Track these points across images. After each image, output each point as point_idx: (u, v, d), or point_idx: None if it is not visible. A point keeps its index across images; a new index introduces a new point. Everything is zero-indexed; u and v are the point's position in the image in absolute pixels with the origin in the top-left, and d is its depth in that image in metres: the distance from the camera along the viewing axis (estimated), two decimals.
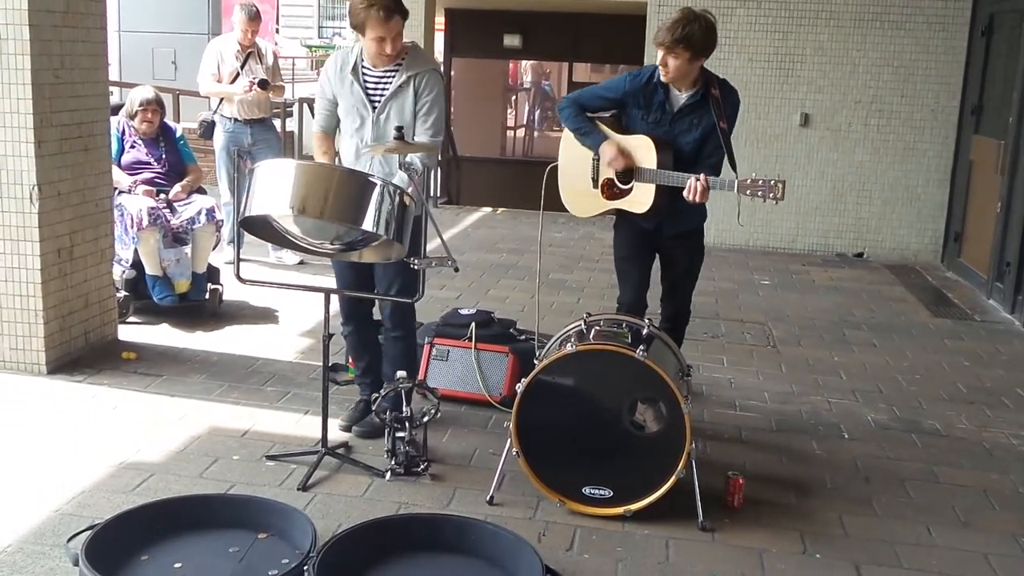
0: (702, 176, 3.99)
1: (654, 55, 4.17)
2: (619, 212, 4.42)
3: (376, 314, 4.66)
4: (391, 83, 4.19)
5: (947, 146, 9.05)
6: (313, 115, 4.61)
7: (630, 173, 4.24)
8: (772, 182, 3.96)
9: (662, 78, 4.15)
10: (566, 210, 4.59)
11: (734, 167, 4.19)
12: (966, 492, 4.20)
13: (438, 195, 12.29)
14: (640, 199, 4.23)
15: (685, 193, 4.02)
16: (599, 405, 3.77)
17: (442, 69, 15.28)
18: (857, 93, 9.13)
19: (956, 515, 3.98)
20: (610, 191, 4.34)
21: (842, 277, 8.46)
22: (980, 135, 8.56)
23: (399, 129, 3.85)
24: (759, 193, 3.98)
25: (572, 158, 4.46)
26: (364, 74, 4.23)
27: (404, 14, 4.11)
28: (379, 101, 4.20)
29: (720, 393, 5.30)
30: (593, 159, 4.37)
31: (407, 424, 4.05)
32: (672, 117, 4.20)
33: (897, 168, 9.17)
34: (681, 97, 4.20)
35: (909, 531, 3.82)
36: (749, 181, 4.00)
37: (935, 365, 6.01)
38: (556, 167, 4.52)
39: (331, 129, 4.43)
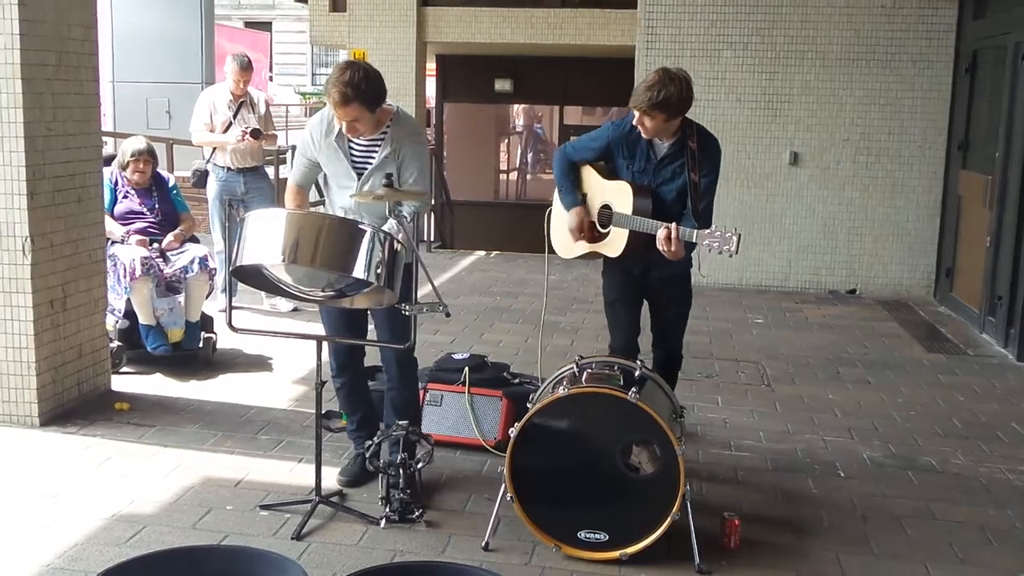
0: (672, 225, 3.99)
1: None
2: (606, 257, 4.46)
3: (367, 362, 4.66)
4: (376, 154, 4.19)
5: (935, 182, 9.11)
6: None
7: (609, 219, 4.28)
8: (728, 235, 3.90)
9: (642, 135, 4.19)
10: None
11: (702, 217, 4.17)
12: (963, 529, 4.19)
13: (432, 239, 12.33)
14: (614, 243, 4.28)
15: (657, 243, 4.02)
16: (593, 448, 3.76)
17: (433, 115, 15.43)
18: (845, 131, 9.21)
19: (954, 552, 3.96)
20: (590, 234, 4.39)
21: (835, 314, 8.48)
22: (967, 170, 8.62)
23: (388, 176, 3.88)
24: (715, 244, 3.94)
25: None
26: (350, 143, 4.22)
27: (368, 103, 4.00)
28: (364, 171, 4.20)
29: (715, 433, 5.29)
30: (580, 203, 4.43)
31: (401, 471, 4.03)
32: (656, 166, 4.24)
33: (887, 204, 9.23)
34: (663, 146, 4.24)
35: (907, 570, 3.80)
36: (707, 232, 3.98)
37: (930, 401, 6.01)
38: (551, 212, 4.58)
39: (307, 185, 4.42)
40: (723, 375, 6.44)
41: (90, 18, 5.23)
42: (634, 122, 4.16)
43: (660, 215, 4.14)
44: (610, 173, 4.37)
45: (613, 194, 4.28)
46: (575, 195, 4.40)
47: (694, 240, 3.98)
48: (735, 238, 3.89)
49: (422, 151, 4.30)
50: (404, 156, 4.19)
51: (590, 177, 4.42)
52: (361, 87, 3.96)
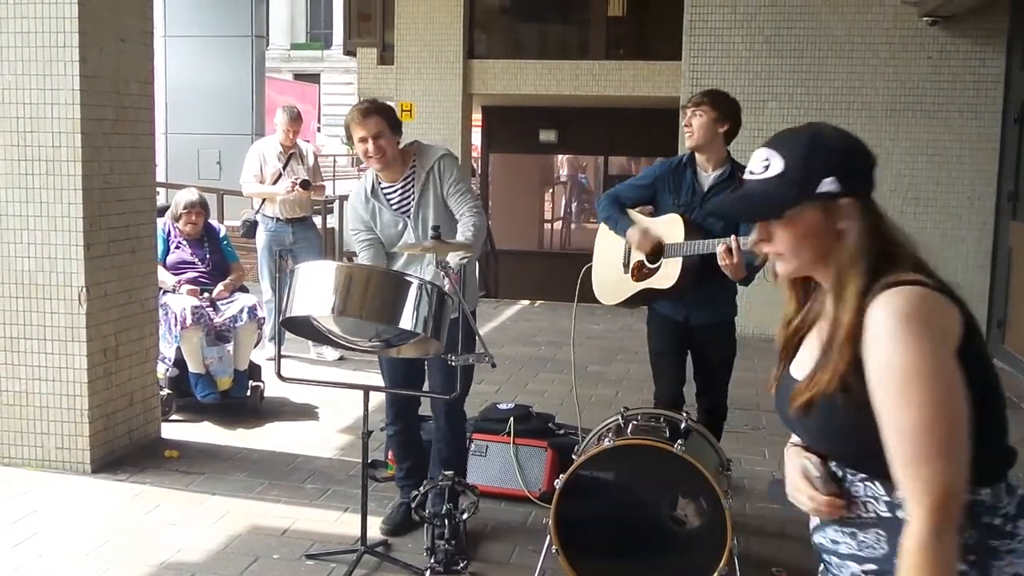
0: (732, 237, 3.98)
1: (685, 143, 4.30)
2: (650, 305, 4.45)
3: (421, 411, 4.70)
4: (413, 188, 4.29)
5: (985, 233, 9.00)
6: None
7: (659, 254, 4.28)
8: None
9: (687, 143, 4.26)
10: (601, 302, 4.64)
11: None
12: None
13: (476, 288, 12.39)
14: (667, 273, 4.25)
15: (719, 260, 4.00)
16: (638, 501, 3.74)
17: (479, 165, 15.58)
18: (892, 182, 9.14)
19: None
20: (639, 272, 4.38)
21: None
22: (1018, 221, 8.53)
23: (436, 229, 3.92)
24: None
25: (605, 249, 4.54)
26: (386, 194, 4.33)
27: (388, 120, 4.19)
28: (411, 209, 4.29)
29: (762, 487, 5.22)
30: (625, 245, 4.42)
31: (446, 521, 4.03)
32: (702, 198, 4.27)
33: (936, 256, 8.82)
34: (709, 177, 4.28)
35: None
36: None
37: None
38: (591, 267, 4.59)
39: (379, 261, 4.37)
40: (770, 428, 6.36)
41: (147, 73, 5.39)
42: (683, 124, 4.25)
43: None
44: (654, 215, 4.41)
45: (661, 228, 4.28)
46: (627, 220, 4.39)
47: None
48: None
49: (452, 161, 4.37)
50: (440, 173, 4.28)
51: (635, 218, 4.44)
52: (378, 105, 4.23)
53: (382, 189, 4.32)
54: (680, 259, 4.18)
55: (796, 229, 1.70)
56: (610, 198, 4.49)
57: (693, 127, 4.21)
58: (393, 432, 4.55)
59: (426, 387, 4.55)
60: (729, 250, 3.95)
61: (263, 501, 4.78)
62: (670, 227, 4.25)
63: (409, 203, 4.30)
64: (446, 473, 4.14)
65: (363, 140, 4.18)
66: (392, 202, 4.31)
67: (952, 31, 8.92)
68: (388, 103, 4.30)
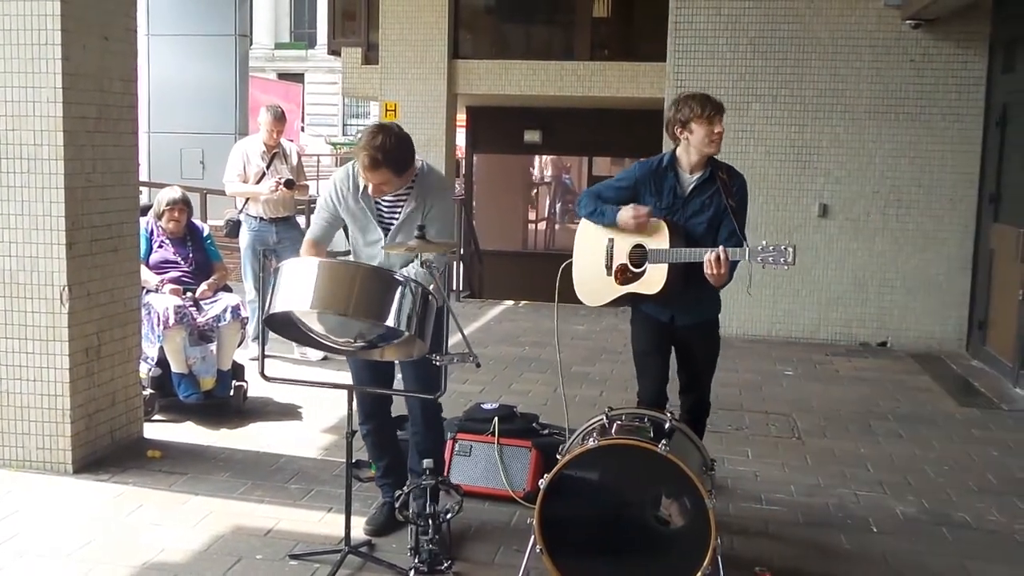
0: (719, 248, 4.01)
1: (671, 146, 4.30)
2: (634, 305, 4.45)
3: (395, 411, 4.68)
4: (402, 209, 4.24)
5: (967, 234, 9.07)
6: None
7: (643, 257, 4.27)
8: (783, 247, 3.98)
9: (710, 150, 4.22)
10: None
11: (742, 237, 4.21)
12: None
13: (461, 289, 12.39)
14: (653, 279, 4.24)
15: (705, 269, 4.02)
16: (622, 500, 3.75)
17: (463, 165, 15.56)
18: (874, 183, 9.21)
19: None
20: (623, 276, 4.37)
21: (866, 367, 8.41)
22: (999, 223, 8.59)
23: (421, 228, 3.91)
24: (770, 259, 4.00)
25: (586, 249, 4.50)
26: (376, 200, 4.25)
27: (396, 168, 4.06)
28: (391, 225, 4.25)
29: (745, 486, 5.25)
30: (607, 247, 4.39)
31: (430, 521, 4.03)
32: (684, 200, 4.28)
33: (918, 257, 9.19)
34: (691, 179, 4.29)
35: None
36: (759, 248, 4.03)
37: (963, 456, 5.93)
38: (571, 264, 4.57)
39: (326, 240, 4.41)
40: (753, 428, 6.39)
41: (130, 72, 5.35)
42: (712, 137, 4.18)
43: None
44: None
45: (644, 233, 4.29)
46: (612, 209, 4.32)
47: (747, 259, 4.01)
48: (791, 249, 3.95)
49: (447, 205, 4.37)
50: (430, 210, 4.23)
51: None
52: (392, 154, 4.02)
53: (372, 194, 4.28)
54: (666, 266, 4.18)
55: None
56: (591, 196, 4.47)
57: (721, 134, 4.21)
58: (366, 432, 4.54)
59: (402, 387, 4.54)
60: (718, 259, 3.98)
61: (246, 501, 4.76)
62: (654, 232, 4.25)
63: (393, 218, 4.25)
64: (428, 468, 4.12)
65: (368, 180, 4.11)
66: (380, 208, 4.28)
67: (934, 34, 8.98)
68: (401, 136, 4.08)
